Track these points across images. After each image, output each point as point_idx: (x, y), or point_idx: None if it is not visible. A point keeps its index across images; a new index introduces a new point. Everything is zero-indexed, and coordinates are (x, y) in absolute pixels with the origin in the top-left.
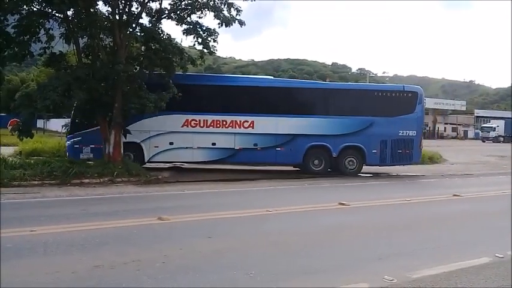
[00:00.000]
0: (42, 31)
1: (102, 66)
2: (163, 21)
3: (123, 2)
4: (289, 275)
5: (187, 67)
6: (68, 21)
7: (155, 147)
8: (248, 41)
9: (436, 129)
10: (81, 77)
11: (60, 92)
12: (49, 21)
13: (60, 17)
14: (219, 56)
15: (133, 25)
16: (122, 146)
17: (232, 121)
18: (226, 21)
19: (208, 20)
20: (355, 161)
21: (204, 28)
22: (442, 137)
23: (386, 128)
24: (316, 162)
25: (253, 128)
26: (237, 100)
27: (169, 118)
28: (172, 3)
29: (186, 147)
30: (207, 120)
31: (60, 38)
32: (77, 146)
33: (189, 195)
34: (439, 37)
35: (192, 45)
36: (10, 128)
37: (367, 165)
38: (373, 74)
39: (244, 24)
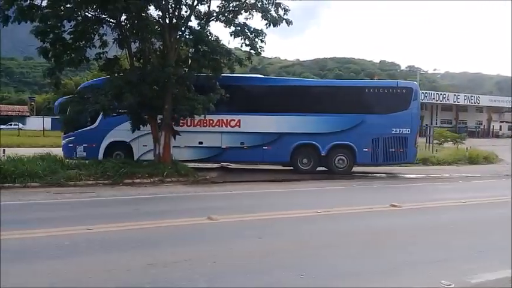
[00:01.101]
0: (97, 37)
1: (153, 69)
2: (211, 23)
3: (172, 5)
4: (341, 277)
5: (235, 68)
6: (121, 26)
7: (144, 146)
8: (293, 40)
9: (491, 127)
10: (132, 80)
11: (110, 96)
12: (103, 27)
13: (113, 23)
14: (264, 57)
15: (183, 28)
16: (171, 147)
17: (218, 120)
18: (274, 21)
19: (256, 20)
20: (345, 159)
21: (252, 29)
22: (497, 136)
23: (379, 125)
24: (304, 161)
25: (239, 126)
26: (223, 99)
27: (158, 118)
28: (220, 5)
29: (174, 146)
30: (194, 120)
31: (113, 43)
32: (71, 145)
33: (237, 196)
34: (493, 31)
35: (239, 46)
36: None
37: (357, 164)
38: (423, 71)
39: (292, 24)
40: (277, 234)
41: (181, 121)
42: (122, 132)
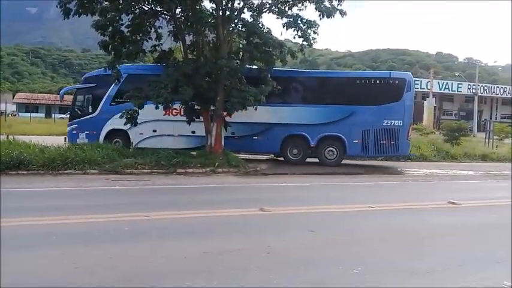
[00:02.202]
0: (153, 30)
1: (206, 61)
2: (263, 15)
3: None
4: (397, 274)
5: (287, 60)
6: (176, 19)
7: (140, 134)
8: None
9: None
10: (187, 73)
11: (170, 89)
12: (159, 20)
13: (168, 15)
14: (315, 48)
15: (236, 20)
16: (223, 138)
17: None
18: (328, 12)
19: (308, 11)
20: (335, 151)
21: (305, 20)
22: None
23: (369, 117)
24: (294, 151)
25: (230, 117)
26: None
27: (153, 107)
28: None
29: (168, 135)
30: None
31: (168, 35)
32: (75, 132)
33: (288, 188)
34: None
35: (290, 38)
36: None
37: (348, 155)
38: (482, 63)
39: (346, 14)
40: (330, 228)
41: (175, 111)
42: (120, 120)
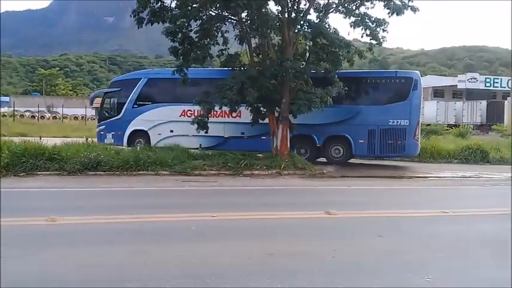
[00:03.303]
0: (219, 34)
1: (272, 64)
2: (330, 15)
3: (291, 0)
4: (472, 285)
5: (354, 60)
6: (242, 23)
7: (159, 134)
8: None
9: None
10: (253, 75)
11: (235, 91)
12: (225, 24)
13: (235, 20)
14: (385, 47)
15: (302, 22)
16: (289, 139)
17: (222, 111)
18: (398, 10)
19: (377, 9)
20: (341, 149)
21: (373, 19)
22: None
23: (375, 116)
24: (302, 151)
25: (240, 117)
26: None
27: (170, 109)
28: None
29: (183, 135)
30: (200, 110)
31: (234, 39)
32: (102, 132)
33: (355, 191)
34: None
35: (358, 37)
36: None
37: (354, 155)
38: None
39: (418, 11)
40: (399, 234)
41: (189, 112)
42: (141, 121)
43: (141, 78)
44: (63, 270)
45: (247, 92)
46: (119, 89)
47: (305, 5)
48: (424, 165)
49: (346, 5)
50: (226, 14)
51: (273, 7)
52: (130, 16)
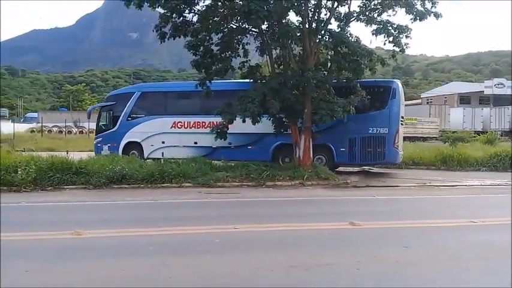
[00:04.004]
0: (240, 46)
1: (293, 74)
2: (351, 23)
3: (312, 10)
4: None
5: (376, 68)
6: (263, 35)
7: (151, 145)
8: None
9: None
10: (274, 87)
11: (257, 103)
12: (246, 37)
13: (256, 32)
14: (408, 54)
15: (323, 31)
16: (311, 149)
17: (210, 122)
18: (420, 16)
19: (399, 16)
20: (323, 159)
21: (395, 26)
22: None
23: (355, 125)
24: (286, 160)
25: (227, 128)
26: (213, 103)
27: (162, 121)
28: (361, 4)
29: (175, 146)
30: (190, 122)
31: (255, 51)
32: (99, 145)
33: (380, 201)
34: None
35: (380, 45)
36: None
37: (336, 163)
38: None
39: (441, 17)
40: (426, 244)
41: (180, 124)
42: (135, 133)
43: (134, 92)
44: (87, 283)
45: (269, 104)
46: (114, 102)
47: (325, 14)
48: (451, 174)
49: (367, 13)
50: (246, 26)
51: (293, 18)
52: (153, 31)
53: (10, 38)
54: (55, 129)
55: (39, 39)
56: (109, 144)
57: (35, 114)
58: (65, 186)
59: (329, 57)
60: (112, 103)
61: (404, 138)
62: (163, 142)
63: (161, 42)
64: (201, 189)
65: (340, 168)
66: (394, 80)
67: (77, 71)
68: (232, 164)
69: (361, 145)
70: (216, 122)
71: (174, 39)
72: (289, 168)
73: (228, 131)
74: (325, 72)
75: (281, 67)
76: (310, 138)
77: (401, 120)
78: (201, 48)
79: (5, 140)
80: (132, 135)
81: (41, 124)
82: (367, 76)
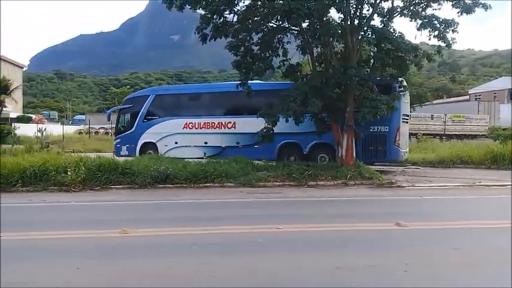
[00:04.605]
0: (281, 46)
1: (335, 72)
2: (395, 19)
3: (354, 6)
4: None
5: (422, 64)
6: (303, 33)
7: (165, 145)
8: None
9: None
10: (316, 85)
11: (299, 102)
12: (287, 36)
13: (296, 30)
14: (455, 49)
15: (365, 28)
16: (354, 149)
17: (219, 123)
18: (467, 9)
19: (445, 10)
20: (326, 157)
21: (441, 20)
22: None
23: (358, 124)
24: (291, 158)
25: (235, 128)
26: (222, 104)
27: (175, 122)
28: None
29: (186, 146)
30: (200, 123)
31: (296, 49)
32: (118, 145)
33: (427, 201)
34: None
35: (425, 40)
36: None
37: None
38: None
39: (490, 8)
40: (477, 246)
41: (191, 124)
42: (150, 134)
43: (149, 95)
44: (133, 281)
45: (310, 102)
46: (131, 105)
47: (368, 10)
48: (503, 173)
49: (411, 7)
50: (287, 25)
51: (334, 15)
52: (195, 33)
53: (59, 43)
54: (101, 130)
55: (86, 44)
56: (127, 145)
57: (82, 117)
58: (112, 186)
59: (372, 54)
60: (129, 106)
61: (452, 136)
62: (176, 142)
63: (202, 44)
64: (243, 188)
65: (385, 168)
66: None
67: (121, 74)
68: (274, 164)
69: (363, 143)
70: (226, 123)
71: (215, 40)
72: (331, 168)
73: (236, 131)
74: (368, 70)
75: (322, 65)
76: (353, 137)
77: (405, 119)
78: (242, 48)
79: (54, 142)
80: (148, 136)
81: (88, 126)
82: (412, 72)
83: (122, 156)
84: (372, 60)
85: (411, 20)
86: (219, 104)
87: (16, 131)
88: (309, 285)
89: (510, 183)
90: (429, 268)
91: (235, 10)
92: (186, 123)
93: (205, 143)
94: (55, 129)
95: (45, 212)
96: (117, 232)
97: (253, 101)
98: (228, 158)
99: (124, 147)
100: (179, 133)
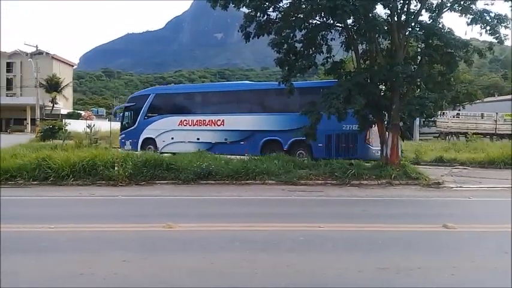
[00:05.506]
0: (324, 42)
1: (380, 69)
2: (444, 14)
3: (401, 2)
4: None
5: (472, 60)
6: (348, 30)
7: (163, 141)
8: None
9: None
10: (360, 82)
11: (342, 99)
12: (331, 32)
13: (341, 27)
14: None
15: (413, 24)
16: (400, 148)
17: (209, 120)
18: None
19: (498, 5)
20: (304, 153)
21: (493, 15)
22: None
23: (331, 123)
24: (273, 155)
25: (224, 125)
26: (213, 103)
27: (171, 119)
28: None
29: (181, 141)
30: (193, 120)
31: (340, 46)
32: (123, 140)
33: (476, 203)
34: None
35: (475, 36)
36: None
37: (314, 158)
38: None
39: None
40: None
41: (185, 121)
42: (151, 130)
43: (149, 94)
44: (176, 274)
45: (354, 100)
46: (134, 103)
47: (416, 6)
48: None
49: (462, 2)
50: (331, 21)
51: (380, 11)
52: (238, 31)
53: (107, 42)
54: None
55: (133, 43)
56: (130, 140)
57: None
58: (157, 181)
59: (419, 50)
60: (132, 104)
61: (503, 136)
62: (172, 138)
63: (246, 42)
64: (284, 186)
65: (431, 167)
66: None
67: (166, 72)
68: (315, 162)
69: (336, 141)
70: (215, 120)
71: (258, 38)
72: (375, 167)
73: (224, 129)
74: (415, 66)
75: (367, 62)
76: (398, 135)
77: None
78: (285, 45)
79: (102, 138)
80: (148, 132)
81: None
82: (461, 69)
83: (126, 150)
84: (419, 57)
85: (461, 15)
86: (210, 102)
87: (67, 127)
88: (352, 285)
89: None
90: (478, 272)
91: (279, 7)
92: (181, 121)
93: (198, 139)
94: (103, 126)
95: (94, 206)
96: (161, 226)
97: (241, 100)
98: (218, 153)
99: (128, 142)
100: (175, 129)
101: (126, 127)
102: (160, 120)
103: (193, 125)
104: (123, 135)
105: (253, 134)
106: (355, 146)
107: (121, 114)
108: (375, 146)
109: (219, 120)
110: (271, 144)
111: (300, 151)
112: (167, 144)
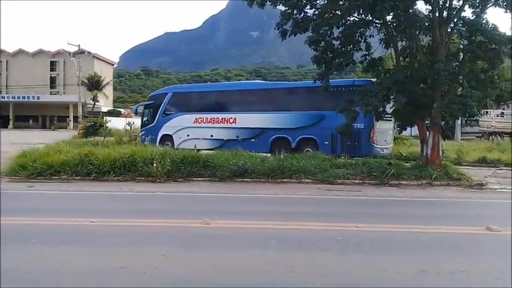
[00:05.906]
0: (362, 40)
1: (421, 66)
2: (488, 10)
3: None
4: None
5: None
6: (387, 26)
7: (179, 138)
8: None
9: None
10: (400, 80)
11: (380, 97)
12: (369, 29)
13: (379, 23)
14: None
15: (455, 20)
16: (441, 147)
17: (222, 118)
18: None
19: None
20: (311, 151)
21: None
22: None
23: (336, 121)
24: (282, 152)
25: (235, 123)
26: (226, 101)
27: (187, 117)
28: None
29: (196, 138)
30: (207, 118)
31: (379, 43)
32: (143, 137)
33: None
34: None
35: None
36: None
37: None
38: None
39: None
40: None
41: (200, 119)
42: (168, 128)
43: (168, 93)
44: (213, 271)
45: (394, 98)
46: (153, 102)
47: (458, 1)
48: None
49: None
50: (370, 18)
51: (421, 7)
52: (275, 29)
53: (146, 41)
54: None
55: (171, 42)
56: (150, 137)
57: None
58: (194, 178)
59: (461, 47)
60: (152, 102)
61: None
62: (188, 135)
63: (282, 40)
64: (321, 185)
65: (474, 168)
66: (372, 79)
67: (203, 71)
68: (353, 161)
69: (342, 139)
70: (227, 118)
71: (294, 35)
72: (415, 167)
73: (236, 126)
74: (457, 63)
75: (407, 59)
76: (439, 135)
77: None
78: (322, 43)
79: None
80: (166, 129)
81: None
82: (506, 67)
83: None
84: (461, 54)
85: (506, 11)
86: (223, 101)
87: (107, 124)
88: (391, 286)
89: None
90: None
91: (316, 5)
92: (196, 118)
93: (211, 136)
94: None
95: (133, 201)
96: (199, 222)
97: (252, 99)
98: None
99: (147, 139)
100: (190, 127)
101: (146, 124)
102: (177, 117)
103: (208, 123)
104: (143, 132)
105: (263, 131)
106: (359, 144)
107: (142, 111)
108: (379, 144)
109: (232, 118)
110: (280, 142)
111: (307, 148)
112: (183, 141)
